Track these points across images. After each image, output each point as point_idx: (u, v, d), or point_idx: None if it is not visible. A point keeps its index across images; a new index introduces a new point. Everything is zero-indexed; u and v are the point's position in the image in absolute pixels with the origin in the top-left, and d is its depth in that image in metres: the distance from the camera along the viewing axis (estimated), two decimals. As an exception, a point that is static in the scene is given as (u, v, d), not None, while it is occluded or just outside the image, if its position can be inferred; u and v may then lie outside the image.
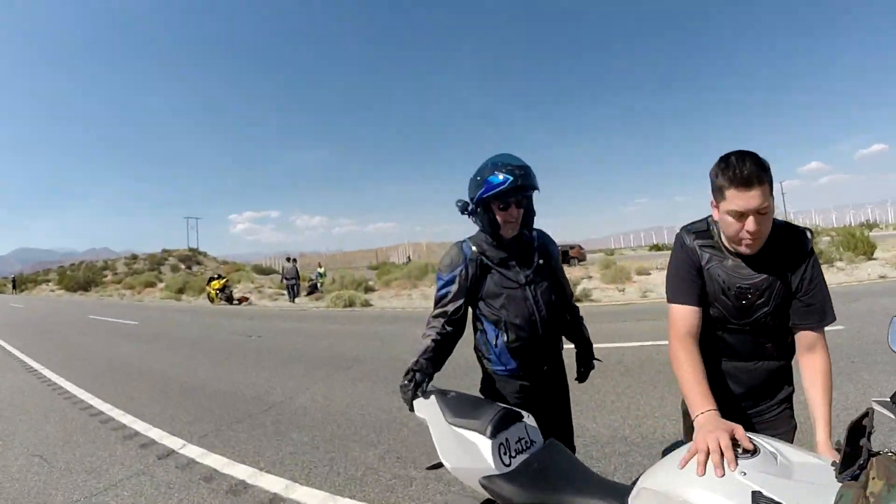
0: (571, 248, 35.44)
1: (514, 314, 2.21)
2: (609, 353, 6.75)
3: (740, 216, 1.57)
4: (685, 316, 1.73)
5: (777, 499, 1.05)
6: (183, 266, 54.82)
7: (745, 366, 1.84)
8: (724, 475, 1.15)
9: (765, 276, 1.69)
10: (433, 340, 2.16)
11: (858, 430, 1.08)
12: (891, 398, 1.38)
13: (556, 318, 2.33)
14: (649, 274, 19.09)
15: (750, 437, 1.26)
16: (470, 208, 2.22)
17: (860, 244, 18.50)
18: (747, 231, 1.58)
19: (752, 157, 1.55)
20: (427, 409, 1.89)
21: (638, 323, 9.55)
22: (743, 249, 1.65)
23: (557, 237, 2.57)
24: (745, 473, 1.14)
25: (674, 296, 1.78)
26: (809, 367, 1.68)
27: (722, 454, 1.19)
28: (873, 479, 0.97)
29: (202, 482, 3.66)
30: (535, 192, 2.19)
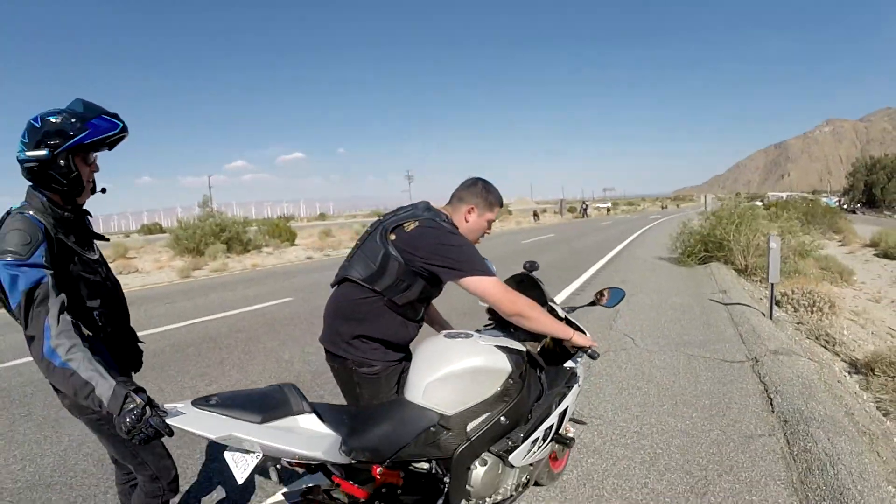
0: None
1: (105, 303, 1.93)
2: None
3: (489, 224, 2.32)
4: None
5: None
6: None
7: None
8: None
9: None
10: (83, 346, 1.64)
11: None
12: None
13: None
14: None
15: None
16: (45, 158, 1.71)
17: (283, 233, 23.11)
18: (488, 231, 2.33)
19: None
20: (206, 420, 1.52)
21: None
22: (477, 242, 2.30)
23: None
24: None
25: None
26: None
27: None
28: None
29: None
30: None
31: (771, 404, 3.79)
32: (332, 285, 2.26)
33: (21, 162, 1.77)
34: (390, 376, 2.17)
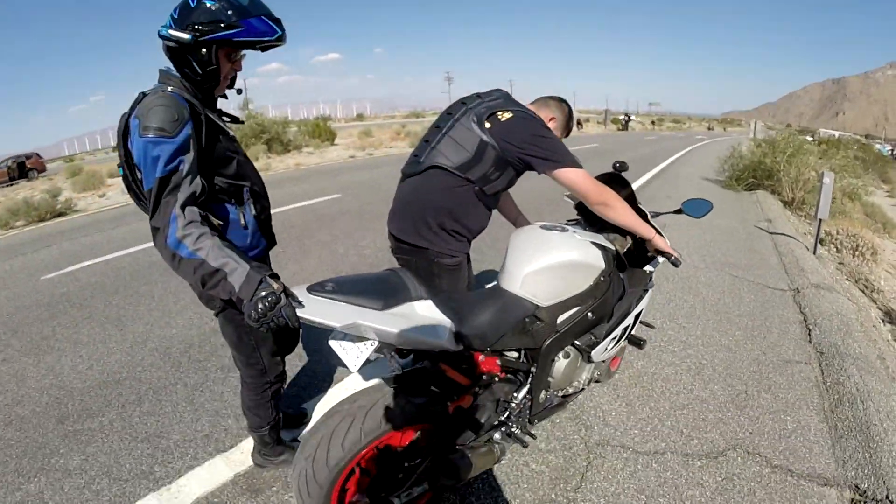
0: (28, 157, 29.49)
1: (254, 182, 1.93)
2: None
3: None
4: None
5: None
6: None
7: None
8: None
9: None
10: (212, 234, 1.59)
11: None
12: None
13: None
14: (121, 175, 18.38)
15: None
16: (187, 42, 1.62)
17: (323, 132, 22.66)
18: None
19: None
20: (327, 308, 1.47)
21: (134, 225, 8.14)
22: None
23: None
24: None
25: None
26: None
27: None
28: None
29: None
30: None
31: (809, 335, 3.86)
32: (410, 174, 2.19)
33: (162, 38, 1.65)
34: (465, 266, 2.25)
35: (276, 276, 1.54)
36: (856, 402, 2.91)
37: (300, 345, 3.47)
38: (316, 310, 1.44)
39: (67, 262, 6.19)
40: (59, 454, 2.58)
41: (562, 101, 2.35)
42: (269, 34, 1.67)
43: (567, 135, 2.36)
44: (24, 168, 28.02)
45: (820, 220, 6.40)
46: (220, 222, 1.75)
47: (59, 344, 3.88)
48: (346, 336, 1.50)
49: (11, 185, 25.32)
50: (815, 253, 6.34)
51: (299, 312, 1.45)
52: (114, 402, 3.00)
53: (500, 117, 2.04)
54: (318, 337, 3.52)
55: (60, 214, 10.37)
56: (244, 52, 1.77)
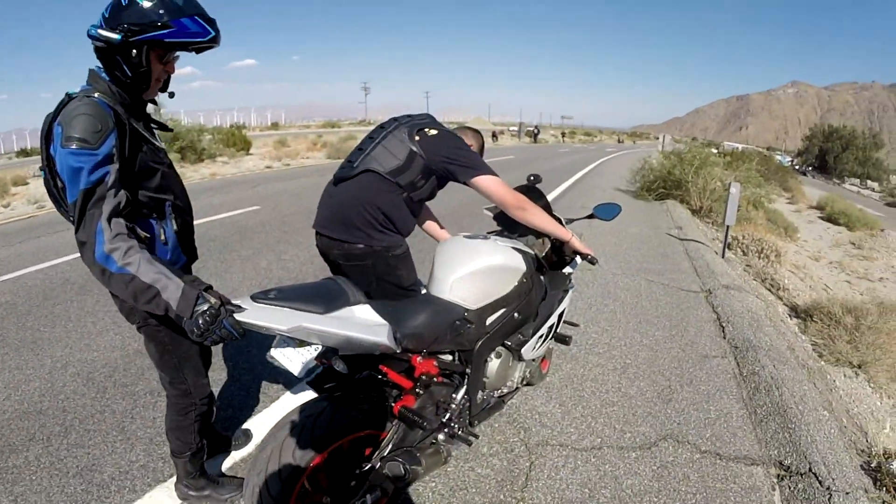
0: None
1: (177, 195, 1.86)
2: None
3: None
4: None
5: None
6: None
7: None
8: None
9: None
10: (140, 248, 1.53)
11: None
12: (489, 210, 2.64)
13: None
14: (28, 184, 15.84)
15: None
16: (116, 42, 1.54)
17: (238, 142, 22.07)
18: None
19: None
20: (272, 314, 1.49)
21: (44, 239, 7.47)
22: None
23: None
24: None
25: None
26: None
27: None
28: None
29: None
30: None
31: (723, 331, 4.16)
32: (341, 179, 2.32)
33: (91, 38, 1.58)
34: (410, 253, 2.44)
35: (210, 288, 1.52)
36: (771, 390, 3.17)
37: (232, 364, 3.39)
38: (261, 315, 1.47)
39: None
40: (-17, 497, 2.36)
41: (477, 131, 2.64)
42: (201, 35, 1.62)
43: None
44: None
45: (728, 226, 6.90)
46: (147, 235, 1.70)
47: None
48: (287, 343, 1.54)
49: None
50: (723, 256, 6.81)
51: (246, 318, 1.45)
52: (37, 434, 2.77)
53: (427, 133, 2.29)
54: (249, 356, 3.47)
55: (-42, 228, 9.36)
56: (177, 53, 1.71)
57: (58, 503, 2.29)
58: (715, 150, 17.99)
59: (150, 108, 1.85)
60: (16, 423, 2.89)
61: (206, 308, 1.44)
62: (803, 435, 2.71)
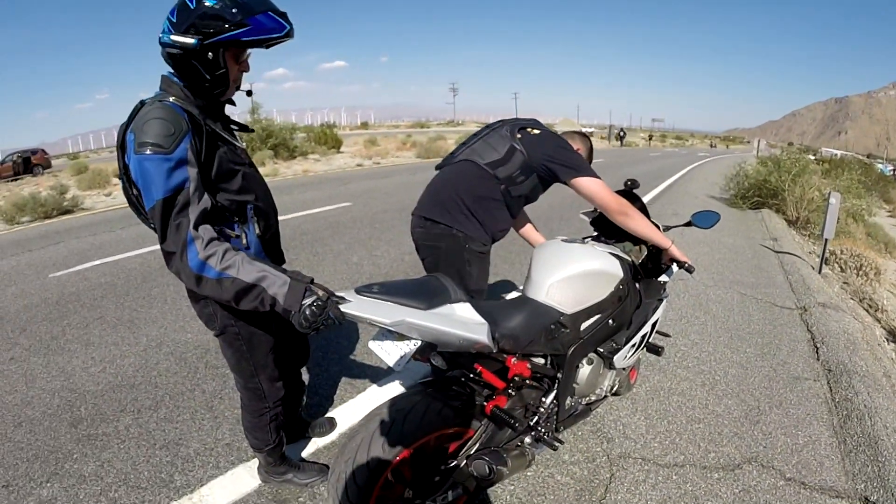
0: (33, 153, 29.16)
1: (259, 197, 1.82)
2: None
3: None
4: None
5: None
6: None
7: None
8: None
9: None
10: (235, 249, 1.55)
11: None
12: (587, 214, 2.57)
13: None
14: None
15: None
16: (192, 47, 1.51)
17: (330, 140, 23.02)
18: None
19: None
20: (376, 307, 1.51)
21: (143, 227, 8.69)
22: None
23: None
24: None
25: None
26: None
27: None
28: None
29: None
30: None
31: (817, 352, 3.90)
32: (443, 166, 2.46)
33: (163, 45, 1.55)
34: (489, 260, 2.43)
35: (313, 281, 1.54)
36: (864, 418, 2.95)
37: (322, 354, 3.48)
38: (365, 308, 1.49)
39: (76, 261, 6.13)
40: (72, 459, 2.53)
41: (585, 135, 2.60)
42: (277, 30, 1.57)
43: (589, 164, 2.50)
44: (28, 163, 28.11)
45: (826, 239, 6.47)
46: (237, 234, 1.71)
47: (70, 344, 3.83)
48: (386, 337, 1.56)
49: (15, 179, 25.31)
50: (820, 272, 6.39)
51: (351, 311, 1.46)
52: (129, 406, 2.96)
53: (530, 132, 2.32)
54: (339, 347, 3.56)
55: (67, 212, 10.28)
56: (250, 51, 1.67)
57: (143, 471, 2.43)
58: (812, 157, 16.98)
59: (228, 108, 1.84)
60: (109, 395, 3.10)
61: (313, 300, 1.46)
62: (893, 470, 2.52)
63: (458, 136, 24.36)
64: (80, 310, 4.54)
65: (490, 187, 2.27)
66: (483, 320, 1.67)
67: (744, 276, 5.90)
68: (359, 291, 1.53)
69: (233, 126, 1.84)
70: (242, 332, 1.84)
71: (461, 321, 1.62)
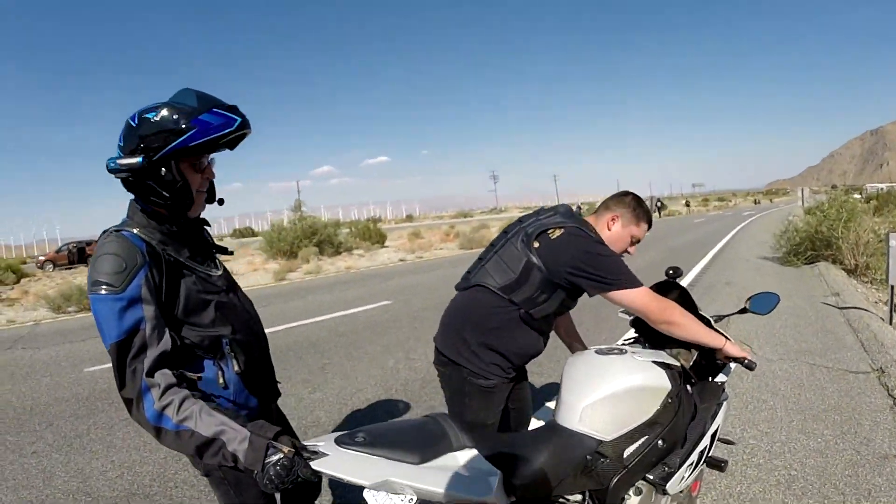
0: (88, 244, 29.16)
1: (238, 328, 1.62)
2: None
3: (633, 240, 2.22)
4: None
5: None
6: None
7: None
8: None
9: None
10: (194, 397, 1.40)
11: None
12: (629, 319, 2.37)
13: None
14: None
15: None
16: (140, 166, 1.40)
17: (373, 235, 24.01)
18: (630, 250, 2.24)
19: None
20: (357, 463, 1.33)
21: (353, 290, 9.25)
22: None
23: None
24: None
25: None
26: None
27: None
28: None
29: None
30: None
31: (903, 421, 3.66)
32: (459, 289, 2.19)
33: (111, 172, 1.44)
34: (502, 391, 2.12)
35: (281, 433, 1.39)
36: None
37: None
38: (344, 465, 1.31)
39: (107, 359, 6.24)
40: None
41: (624, 193, 2.25)
42: (227, 125, 1.44)
43: (647, 221, 2.24)
44: (83, 253, 30.21)
45: (892, 286, 6.17)
46: (199, 376, 1.52)
47: (92, 445, 3.90)
48: (381, 488, 1.35)
49: (70, 268, 26.95)
50: (891, 323, 6.06)
51: (325, 469, 1.30)
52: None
53: (550, 235, 1.98)
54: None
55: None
56: (211, 156, 1.55)
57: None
58: (858, 196, 16.36)
59: (210, 228, 1.76)
60: (123, 503, 3.10)
61: (277, 458, 1.32)
62: None
63: (502, 222, 24.57)
64: (107, 409, 4.62)
65: (506, 315, 2.01)
66: (493, 469, 1.41)
67: (810, 342, 5.65)
68: (340, 442, 1.36)
69: (214, 249, 1.72)
70: (228, 476, 1.63)
71: (462, 476, 1.37)
